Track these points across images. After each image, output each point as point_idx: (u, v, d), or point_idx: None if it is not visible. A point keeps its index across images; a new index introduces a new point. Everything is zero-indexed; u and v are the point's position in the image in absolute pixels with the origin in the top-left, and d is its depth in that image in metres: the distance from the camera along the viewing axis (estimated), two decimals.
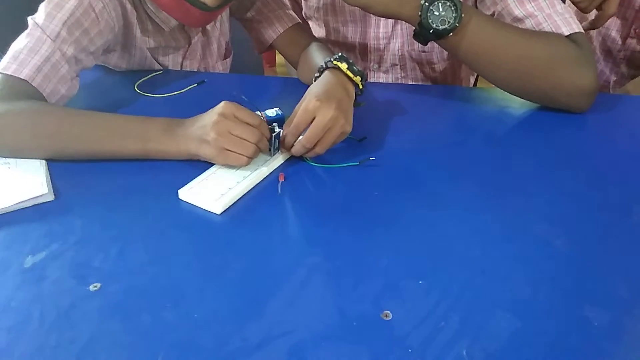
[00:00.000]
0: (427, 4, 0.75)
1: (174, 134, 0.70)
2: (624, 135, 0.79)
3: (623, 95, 0.96)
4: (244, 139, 0.67)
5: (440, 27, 0.75)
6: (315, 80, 0.78)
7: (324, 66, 0.77)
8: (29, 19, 0.79)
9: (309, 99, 0.69)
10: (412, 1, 0.77)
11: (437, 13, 0.75)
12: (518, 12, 0.81)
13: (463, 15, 0.75)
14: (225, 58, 1.13)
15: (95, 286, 0.53)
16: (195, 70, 1.07)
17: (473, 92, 0.98)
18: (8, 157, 0.72)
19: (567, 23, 0.80)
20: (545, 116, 0.82)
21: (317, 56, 0.91)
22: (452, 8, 0.74)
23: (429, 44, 0.84)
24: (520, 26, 0.81)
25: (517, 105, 0.86)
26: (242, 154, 0.67)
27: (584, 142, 0.76)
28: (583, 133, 0.79)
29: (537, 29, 0.80)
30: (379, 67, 1.06)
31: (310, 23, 1.11)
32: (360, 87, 0.77)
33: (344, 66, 0.75)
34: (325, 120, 0.67)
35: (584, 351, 0.46)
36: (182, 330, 0.48)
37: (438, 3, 0.75)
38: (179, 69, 1.04)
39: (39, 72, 0.76)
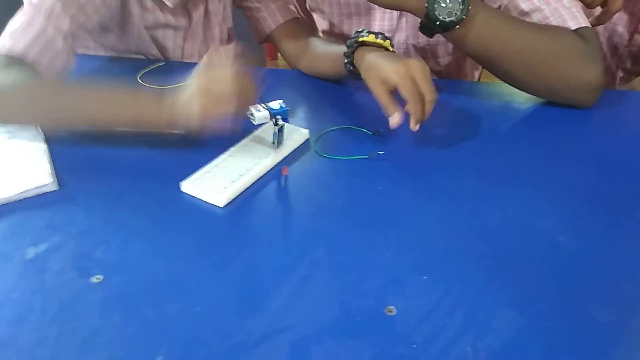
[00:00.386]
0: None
1: (164, 105, 0.70)
2: (630, 131, 0.78)
3: (629, 91, 0.95)
4: (229, 98, 0.66)
5: (447, 19, 0.75)
6: (347, 63, 0.79)
7: (355, 44, 0.78)
8: None
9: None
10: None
11: (443, 5, 0.74)
12: (525, 5, 0.80)
13: (470, 7, 0.74)
14: (227, 44, 1.12)
15: (98, 278, 0.52)
16: (197, 53, 1.06)
17: (478, 86, 0.98)
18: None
19: (574, 17, 0.79)
20: (550, 111, 0.82)
21: (330, 45, 0.91)
22: (459, 0, 0.74)
23: (434, 37, 0.84)
24: (526, 20, 0.80)
25: (523, 100, 0.85)
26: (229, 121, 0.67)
27: (589, 138, 0.76)
28: (588, 129, 0.78)
29: (543, 23, 0.80)
30: None
31: (314, 15, 1.10)
32: (392, 50, 0.78)
33: (371, 37, 0.77)
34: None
35: (588, 348, 0.46)
36: (184, 323, 0.48)
37: None
38: (180, 52, 1.03)
39: (33, 47, 0.76)
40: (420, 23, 0.78)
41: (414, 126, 0.70)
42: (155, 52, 1.01)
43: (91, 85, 0.74)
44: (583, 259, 0.55)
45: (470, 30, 0.76)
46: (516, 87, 0.83)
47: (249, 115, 0.80)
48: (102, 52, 1.03)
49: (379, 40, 0.77)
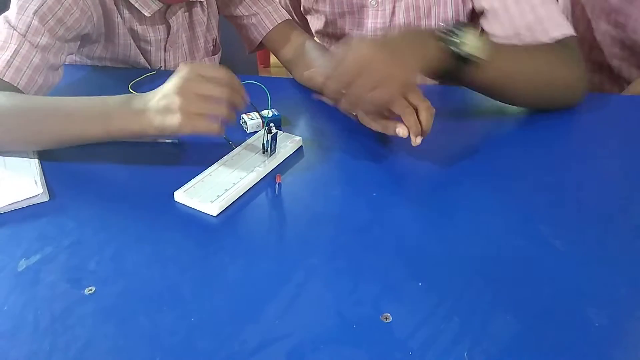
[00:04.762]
0: (445, 35, 0.69)
1: (135, 110, 0.66)
2: (625, 135, 0.79)
3: (622, 95, 0.95)
4: (213, 97, 0.63)
5: (469, 52, 0.69)
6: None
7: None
8: (1, 16, 0.79)
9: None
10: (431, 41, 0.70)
11: (457, 40, 0.69)
12: (514, 9, 0.84)
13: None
14: (213, 54, 1.12)
15: (90, 289, 0.52)
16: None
17: (472, 92, 0.98)
18: None
19: (559, 26, 0.82)
20: (545, 116, 0.82)
21: (319, 57, 0.91)
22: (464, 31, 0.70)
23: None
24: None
25: (517, 107, 0.85)
26: (212, 119, 0.63)
27: (585, 142, 0.76)
28: (583, 133, 0.78)
29: (528, 31, 0.82)
30: None
31: (309, 17, 1.10)
32: None
33: None
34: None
35: (585, 352, 0.45)
36: (178, 334, 0.47)
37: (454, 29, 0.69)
38: (162, 62, 1.03)
39: (10, 66, 0.76)
40: (441, 72, 0.72)
41: (414, 140, 0.66)
42: (142, 60, 1.01)
43: (58, 100, 0.72)
44: (579, 263, 0.55)
45: (488, 65, 0.72)
46: (511, 104, 0.83)
47: (241, 124, 0.80)
48: (88, 63, 1.03)
49: None
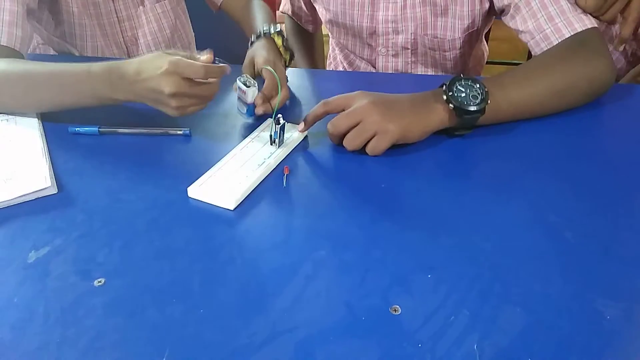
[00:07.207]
0: (448, 92, 0.69)
1: (122, 90, 0.71)
2: (637, 126, 0.78)
3: (636, 85, 0.94)
4: (202, 95, 0.71)
5: (474, 106, 0.69)
6: (251, 45, 0.89)
7: (261, 34, 0.88)
8: None
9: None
10: (438, 104, 0.71)
11: (463, 94, 0.70)
12: (534, 3, 0.83)
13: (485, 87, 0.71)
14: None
15: (100, 281, 0.52)
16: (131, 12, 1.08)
17: None
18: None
19: (579, 19, 0.81)
20: None
21: (258, 17, 1.00)
22: (470, 84, 0.71)
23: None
24: (532, 22, 0.83)
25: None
26: (200, 105, 0.72)
27: (598, 133, 0.75)
28: (595, 124, 0.77)
29: (549, 23, 0.82)
30: (387, 51, 1.05)
31: (317, 6, 1.10)
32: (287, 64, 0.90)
33: (279, 41, 0.87)
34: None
35: (596, 345, 0.45)
36: (188, 326, 0.47)
37: (457, 84, 0.70)
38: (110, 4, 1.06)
39: None
40: (453, 128, 0.73)
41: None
42: (87, 20, 1.03)
43: (45, 69, 0.76)
44: (590, 255, 0.54)
45: (499, 104, 0.73)
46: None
47: (239, 93, 0.76)
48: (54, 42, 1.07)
49: (281, 49, 0.88)
